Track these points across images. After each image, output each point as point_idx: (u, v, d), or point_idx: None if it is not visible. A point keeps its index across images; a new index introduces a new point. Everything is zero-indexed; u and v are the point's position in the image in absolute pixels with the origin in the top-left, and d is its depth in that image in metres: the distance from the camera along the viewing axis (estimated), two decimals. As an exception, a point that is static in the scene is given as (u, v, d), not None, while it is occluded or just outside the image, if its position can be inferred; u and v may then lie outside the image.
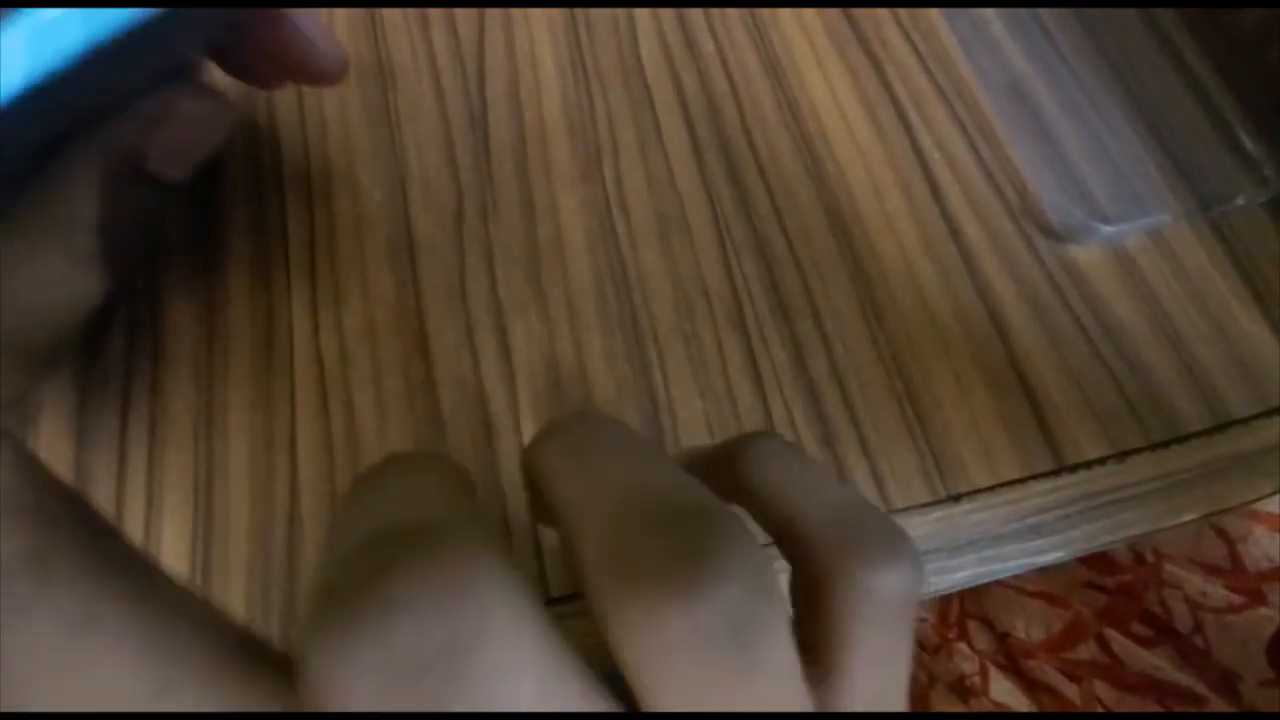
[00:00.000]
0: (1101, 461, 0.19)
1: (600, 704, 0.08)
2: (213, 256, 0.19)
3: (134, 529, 0.17)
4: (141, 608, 0.08)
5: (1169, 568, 0.43)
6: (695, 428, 0.18)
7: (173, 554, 0.17)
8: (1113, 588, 0.46)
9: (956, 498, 0.18)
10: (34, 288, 0.12)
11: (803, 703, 0.08)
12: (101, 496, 0.17)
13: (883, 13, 0.23)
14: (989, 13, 0.23)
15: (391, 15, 0.23)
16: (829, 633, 0.09)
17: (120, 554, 0.08)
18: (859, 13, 0.23)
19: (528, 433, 0.18)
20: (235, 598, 0.16)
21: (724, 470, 0.11)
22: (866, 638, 0.09)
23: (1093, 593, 0.46)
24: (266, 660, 0.08)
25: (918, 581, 0.10)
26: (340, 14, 0.23)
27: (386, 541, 0.07)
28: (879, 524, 0.10)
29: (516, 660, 0.07)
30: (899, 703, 0.10)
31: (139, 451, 0.17)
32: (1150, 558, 0.45)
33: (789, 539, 0.10)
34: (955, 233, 0.21)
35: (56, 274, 0.12)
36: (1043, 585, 0.47)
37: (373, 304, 0.19)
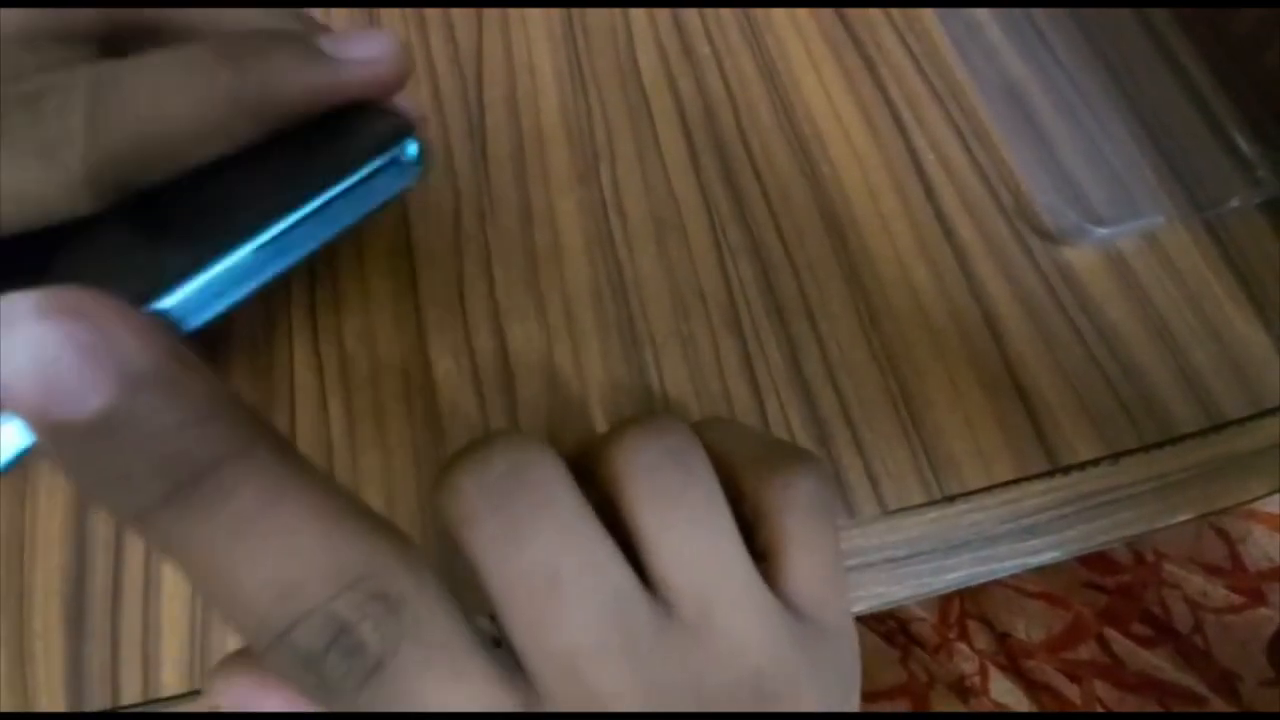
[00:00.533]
0: (1095, 463, 0.19)
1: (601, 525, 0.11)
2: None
3: (136, 530, 0.17)
4: (310, 480, 0.10)
5: (1169, 568, 0.43)
6: (691, 429, 0.18)
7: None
8: (1113, 588, 0.46)
9: (951, 498, 0.18)
10: None
11: (728, 523, 0.12)
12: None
13: (878, 16, 0.23)
14: (984, 16, 0.23)
15: (390, 19, 0.23)
16: (767, 533, 0.13)
17: (281, 438, 0.10)
18: (854, 16, 0.23)
19: (525, 434, 0.18)
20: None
21: None
22: (792, 526, 0.12)
23: (1093, 593, 0.46)
24: (383, 520, 0.10)
25: (823, 481, 0.13)
26: (339, 16, 0.23)
27: (482, 437, 0.12)
28: (790, 448, 0.14)
29: (559, 477, 0.11)
30: (837, 584, 0.13)
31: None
32: (1150, 558, 0.45)
33: (728, 475, 0.13)
34: (949, 234, 0.21)
35: None
36: (1043, 585, 0.47)
37: (371, 308, 0.19)
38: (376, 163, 0.12)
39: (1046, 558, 0.18)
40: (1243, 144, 0.21)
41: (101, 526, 0.17)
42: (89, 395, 0.08)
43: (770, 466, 0.13)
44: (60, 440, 0.08)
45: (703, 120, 0.22)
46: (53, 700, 0.16)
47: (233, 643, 0.17)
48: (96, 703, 0.16)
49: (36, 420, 0.08)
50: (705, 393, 0.19)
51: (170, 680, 0.16)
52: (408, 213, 0.20)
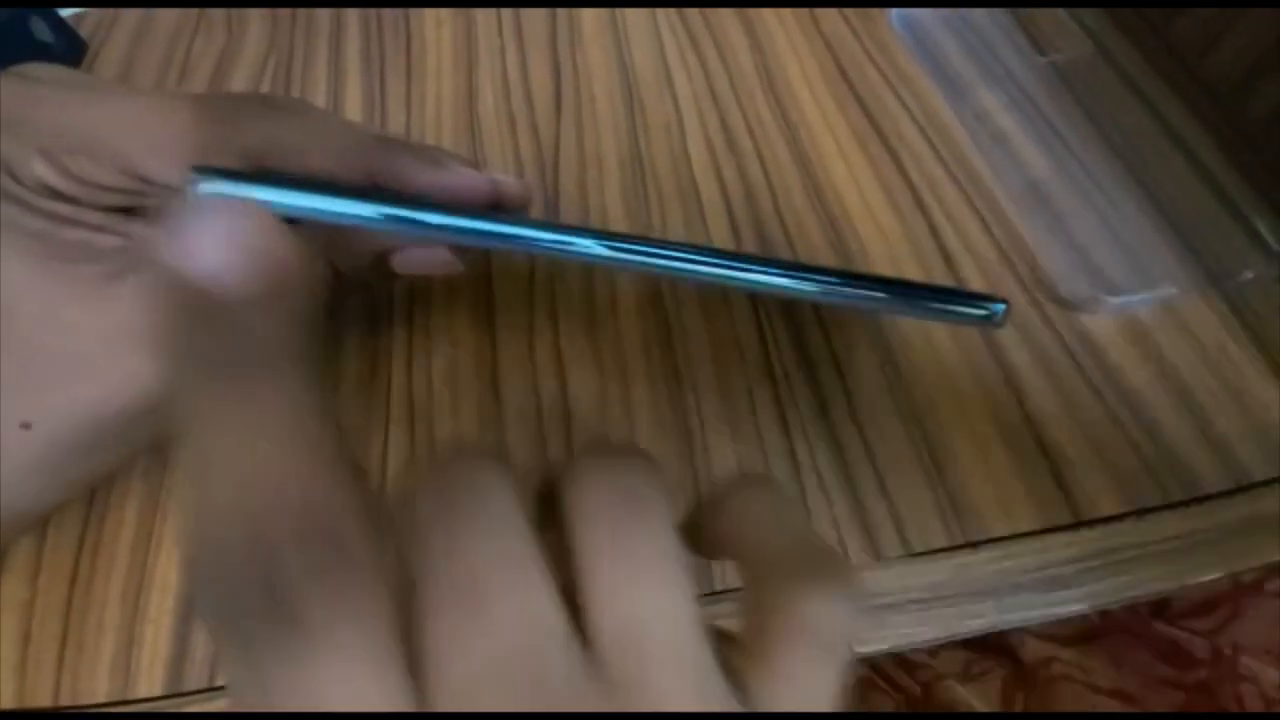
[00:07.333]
0: (1121, 518, 0.19)
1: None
2: (334, 306, 0.23)
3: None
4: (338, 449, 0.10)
5: (1245, 660, 0.39)
6: (727, 467, 0.20)
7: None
8: (1190, 685, 0.42)
9: (975, 544, 0.19)
10: None
11: (681, 579, 0.10)
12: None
13: (899, 111, 0.26)
14: (991, 105, 0.26)
15: (486, 119, 0.27)
16: (763, 642, 0.10)
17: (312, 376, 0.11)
18: (878, 111, 0.26)
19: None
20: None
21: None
22: (791, 657, 0.10)
23: (1170, 690, 0.42)
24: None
25: (851, 607, 0.10)
26: (446, 118, 0.27)
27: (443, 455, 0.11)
28: (828, 553, 0.11)
29: (507, 497, 0.10)
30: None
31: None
32: (1228, 651, 0.42)
33: (741, 554, 0.12)
34: (969, 301, 0.22)
35: None
36: (1116, 682, 0.44)
37: (457, 350, 0.22)
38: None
39: (1073, 609, 0.18)
40: (1256, 219, 0.22)
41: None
42: (224, 277, 0.10)
43: (795, 571, 0.11)
44: (182, 302, 0.10)
45: (743, 202, 0.25)
46: (151, 682, 0.18)
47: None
48: (193, 684, 0.18)
49: (178, 275, 0.10)
50: (740, 434, 0.20)
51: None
52: (491, 271, 0.24)
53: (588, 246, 0.15)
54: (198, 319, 0.10)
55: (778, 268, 0.14)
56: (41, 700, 0.18)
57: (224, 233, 0.10)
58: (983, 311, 0.14)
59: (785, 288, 0.14)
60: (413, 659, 0.09)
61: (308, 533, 0.09)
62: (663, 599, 0.10)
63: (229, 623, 0.09)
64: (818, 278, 0.14)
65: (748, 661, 0.10)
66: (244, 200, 0.11)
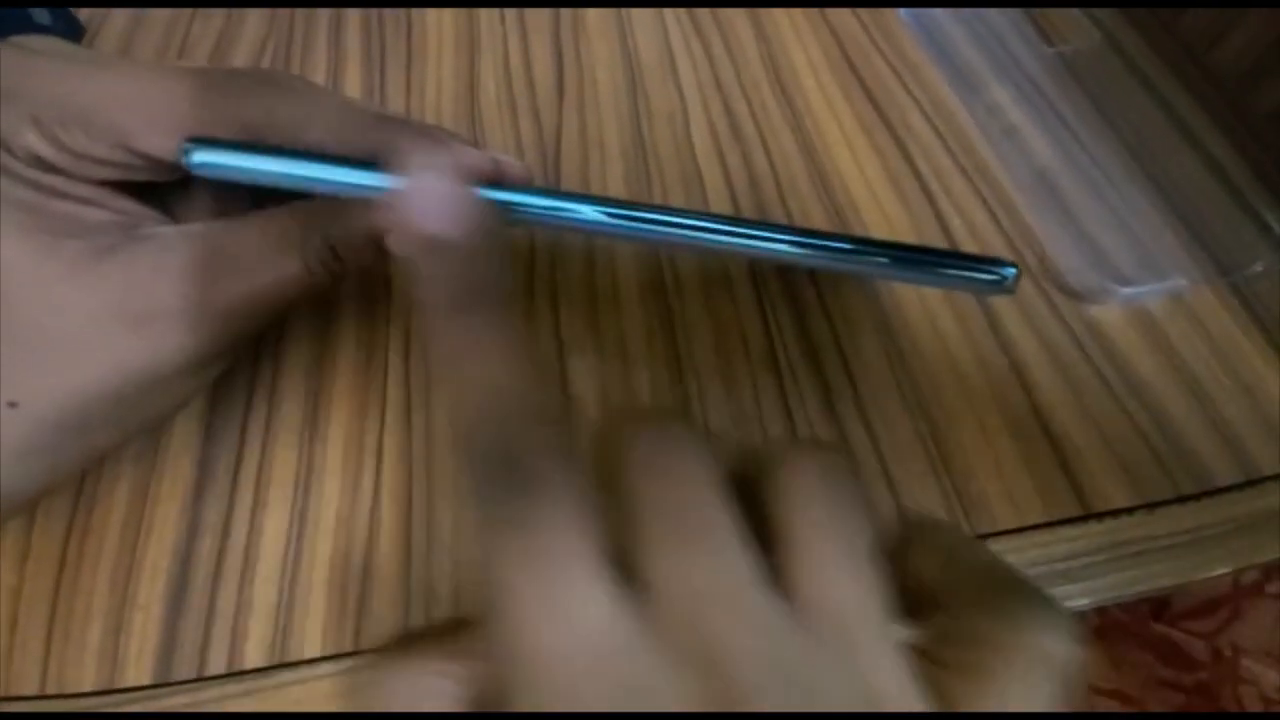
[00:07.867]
0: (1130, 511, 0.19)
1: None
2: (331, 290, 0.23)
3: (241, 515, 0.19)
4: (530, 358, 0.12)
5: (1246, 663, 0.39)
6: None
7: (271, 539, 0.19)
8: (1190, 686, 0.42)
9: (982, 537, 0.18)
10: (263, 272, 0.16)
11: (882, 580, 0.11)
12: (219, 486, 0.19)
13: (906, 100, 0.26)
14: (1004, 100, 0.25)
15: (488, 107, 0.27)
16: (975, 672, 0.10)
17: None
18: (884, 100, 0.26)
19: (578, 454, 0.20)
20: (319, 584, 0.18)
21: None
22: (1010, 690, 0.10)
23: (1169, 692, 0.42)
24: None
25: (1070, 650, 0.10)
26: (446, 104, 0.27)
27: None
28: (1032, 592, 0.11)
29: (716, 462, 0.11)
30: None
31: (254, 447, 0.20)
32: (1228, 653, 0.41)
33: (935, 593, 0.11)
34: (976, 291, 0.22)
35: (291, 268, 0.16)
36: (1117, 683, 0.44)
37: (454, 337, 0.22)
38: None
39: (1078, 604, 0.18)
40: (1265, 212, 0.22)
41: (212, 514, 0.19)
42: (453, 226, 0.13)
43: (1011, 599, 0.11)
44: (422, 246, 0.13)
45: (748, 189, 0.24)
46: (139, 670, 0.17)
47: (311, 624, 0.18)
48: (182, 673, 0.17)
49: (415, 229, 0.13)
50: (743, 424, 0.20)
51: (253, 656, 0.17)
52: (490, 259, 0.23)
53: (586, 213, 0.14)
54: (435, 263, 0.13)
55: (783, 233, 0.14)
56: (28, 687, 0.17)
57: (444, 196, 0.13)
58: (994, 276, 0.14)
59: (792, 254, 0.14)
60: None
61: (537, 421, 0.11)
62: (866, 583, 0.10)
63: (479, 496, 0.10)
64: (825, 243, 0.14)
65: (956, 678, 0.10)
66: (444, 172, 0.14)
